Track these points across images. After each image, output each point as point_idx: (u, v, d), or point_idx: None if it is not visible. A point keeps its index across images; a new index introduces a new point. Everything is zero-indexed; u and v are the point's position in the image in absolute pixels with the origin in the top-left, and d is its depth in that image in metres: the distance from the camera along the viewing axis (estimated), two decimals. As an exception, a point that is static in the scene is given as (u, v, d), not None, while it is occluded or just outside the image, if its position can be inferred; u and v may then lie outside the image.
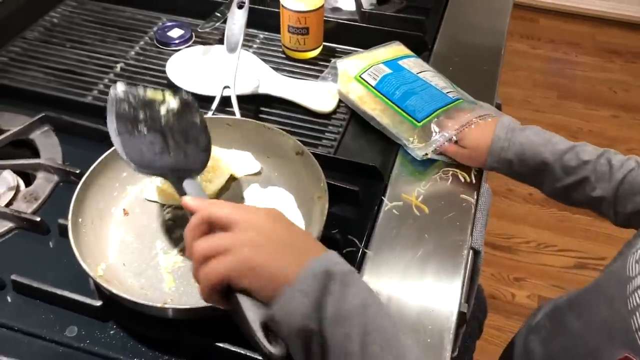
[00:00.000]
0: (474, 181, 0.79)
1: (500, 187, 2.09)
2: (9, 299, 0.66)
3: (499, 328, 1.70)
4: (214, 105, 0.81)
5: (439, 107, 0.79)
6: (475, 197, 0.77)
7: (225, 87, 0.82)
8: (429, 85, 0.82)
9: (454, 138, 0.77)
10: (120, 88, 0.65)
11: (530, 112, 2.40)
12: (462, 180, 0.79)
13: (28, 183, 0.79)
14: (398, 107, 0.80)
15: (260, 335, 0.45)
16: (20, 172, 0.80)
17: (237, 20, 0.83)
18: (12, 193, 0.77)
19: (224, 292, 0.48)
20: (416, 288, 0.67)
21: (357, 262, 0.69)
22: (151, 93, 0.66)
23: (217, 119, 0.77)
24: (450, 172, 0.80)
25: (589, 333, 0.65)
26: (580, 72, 2.61)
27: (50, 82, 0.94)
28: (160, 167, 0.62)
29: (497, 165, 0.76)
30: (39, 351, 0.61)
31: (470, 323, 1.06)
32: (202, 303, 0.51)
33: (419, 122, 0.78)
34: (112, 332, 0.62)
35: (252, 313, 0.46)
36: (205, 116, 0.72)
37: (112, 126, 0.64)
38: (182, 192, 0.58)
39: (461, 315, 0.64)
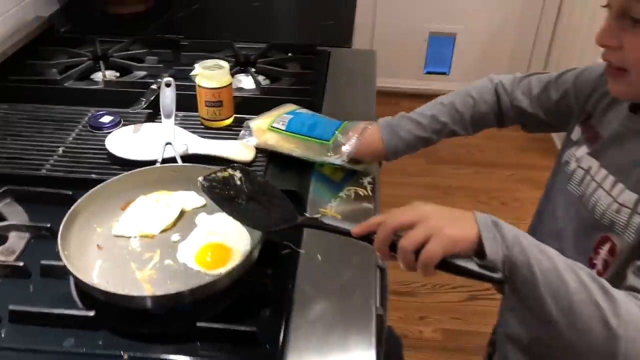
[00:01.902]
0: (370, 194, 1.03)
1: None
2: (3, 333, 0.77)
3: (413, 363, 1.90)
4: (160, 158, 1.00)
5: (336, 127, 1.06)
6: (373, 204, 1.00)
7: (167, 144, 1.01)
8: (322, 118, 1.11)
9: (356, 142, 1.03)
10: (205, 180, 0.82)
11: (405, 177, 2.75)
12: (362, 194, 1.02)
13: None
14: (309, 137, 1.05)
15: (483, 271, 0.67)
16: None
17: (167, 95, 1.04)
18: (-16, 256, 0.88)
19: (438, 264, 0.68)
20: (339, 275, 0.86)
21: (292, 260, 0.88)
22: (220, 174, 0.83)
23: (164, 167, 0.95)
24: (352, 190, 1.03)
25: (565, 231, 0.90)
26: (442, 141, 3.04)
27: (1, 167, 1.07)
28: (283, 222, 0.80)
29: (393, 157, 1.07)
30: None
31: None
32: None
33: (329, 140, 1.04)
34: (102, 335, 0.75)
35: (468, 265, 0.67)
36: (152, 167, 0.90)
37: (226, 210, 0.81)
38: (339, 229, 0.78)
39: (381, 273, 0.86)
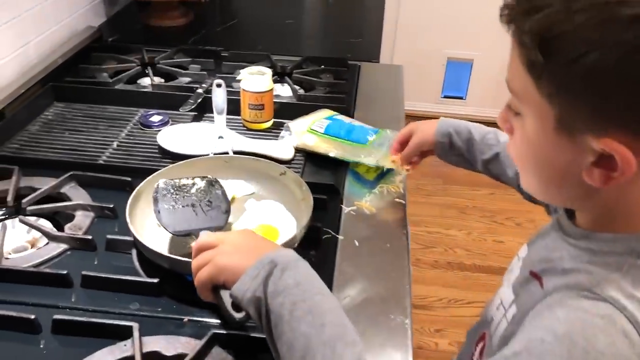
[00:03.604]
0: (402, 191, 1.11)
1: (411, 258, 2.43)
2: (73, 297, 0.85)
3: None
4: (213, 150, 1.09)
5: (374, 133, 1.16)
6: (404, 200, 1.09)
7: (219, 137, 1.10)
8: (358, 124, 1.20)
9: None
10: (161, 181, 0.90)
11: (423, 197, 2.83)
12: (393, 191, 1.11)
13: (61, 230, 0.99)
14: (346, 140, 1.15)
15: (229, 307, 0.67)
16: (54, 220, 1.00)
17: (218, 95, 1.14)
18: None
19: (212, 289, 0.69)
20: (376, 259, 0.94)
21: (332, 245, 0.96)
22: (184, 181, 0.91)
23: (217, 158, 1.05)
24: (385, 187, 1.12)
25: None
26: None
27: (62, 156, 1.17)
28: (190, 229, 0.83)
29: (441, 138, 1.02)
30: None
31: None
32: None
33: (365, 144, 1.13)
34: (163, 301, 0.84)
35: (225, 296, 0.68)
36: (206, 157, 0.99)
37: (155, 208, 0.87)
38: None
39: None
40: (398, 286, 0.89)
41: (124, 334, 0.76)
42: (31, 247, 0.95)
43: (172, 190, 0.89)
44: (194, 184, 0.91)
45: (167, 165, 1.04)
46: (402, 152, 1.07)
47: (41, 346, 0.77)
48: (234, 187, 1.02)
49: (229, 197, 0.99)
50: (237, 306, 0.67)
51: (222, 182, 1.01)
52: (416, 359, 0.78)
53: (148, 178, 0.99)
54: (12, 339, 0.78)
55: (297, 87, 1.48)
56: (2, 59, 1.33)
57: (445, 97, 3.46)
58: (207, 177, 0.92)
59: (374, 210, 1.05)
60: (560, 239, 0.63)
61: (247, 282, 0.64)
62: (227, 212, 0.88)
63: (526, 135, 0.58)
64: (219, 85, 1.14)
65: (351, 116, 1.35)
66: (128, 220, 0.88)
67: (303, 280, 0.64)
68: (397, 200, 1.09)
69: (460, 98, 3.46)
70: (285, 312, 0.61)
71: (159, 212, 0.86)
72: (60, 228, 0.99)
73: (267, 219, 0.95)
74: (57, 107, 1.37)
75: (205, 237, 0.75)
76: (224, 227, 0.86)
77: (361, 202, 1.07)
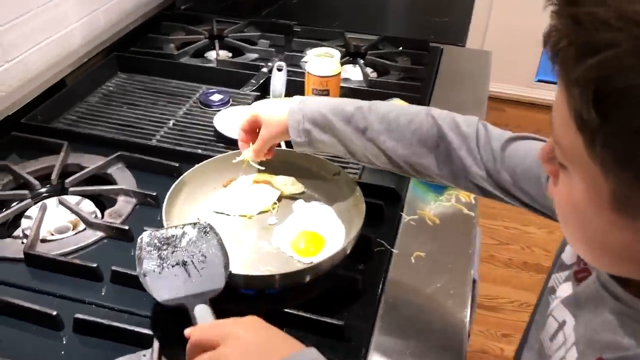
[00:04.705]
0: (473, 201, 0.98)
1: (483, 253, 2.28)
2: (104, 290, 0.80)
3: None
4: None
5: None
6: (474, 212, 0.96)
7: (273, 127, 1.02)
8: None
9: None
10: (146, 234, 0.74)
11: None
12: (463, 200, 0.98)
13: (103, 212, 0.95)
14: None
15: None
16: (97, 203, 0.97)
17: (278, 79, 1.05)
18: (92, 216, 0.93)
19: None
20: (432, 282, 0.83)
21: (385, 259, 0.86)
22: (172, 231, 0.75)
23: (268, 151, 0.96)
24: (454, 194, 0.99)
25: None
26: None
27: (116, 133, 1.12)
28: (184, 297, 0.67)
29: (299, 138, 0.79)
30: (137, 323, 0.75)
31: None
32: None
33: None
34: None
35: None
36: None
37: (139, 270, 0.70)
38: (194, 321, 0.65)
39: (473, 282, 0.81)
40: (454, 321, 0.78)
41: (146, 342, 0.71)
42: (73, 229, 0.91)
43: (158, 245, 0.73)
44: (183, 234, 0.75)
45: (218, 153, 0.98)
46: (254, 148, 0.84)
47: (64, 342, 0.74)
48: (283, 184, 0.93)
49: (276, 195, 0.91)
50: None
51: (271, 178, 0.93)
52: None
53: (194, 167, 0.92)
54: (36, 332, 0.74)
55: (369, 70, 1.36)
56: (70, 25, 1.30)
57: (540, 81, 3.21)
58: (198, 222, 0.77)
59: (438, 222, 0.94)
60: (623, 315, 0.49)
61: None
62: (226, 266, 0.72)
63: (573, 199, 0.45)
64: (279, 69, 1.06)
65: (425, 108, 1.22)
66: (164, 216, 0.81)
67: None
68: (466, 212, 0.96)
69: (555, 83, 3.18)
70: None
71: (144, 275, 0.70)
72: (103, 209, 0.95)
73: (314, 224, 0.86)
74: (120, 78, 1.33)
75: (202, 332, 0.61)
76: (221, 289, 0.70)
77: (424, 210, 0.96)
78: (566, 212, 0.48)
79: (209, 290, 0.68)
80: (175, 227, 0.76)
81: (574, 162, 0.43)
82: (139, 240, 0.74)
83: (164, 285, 0.69)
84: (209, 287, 0.69)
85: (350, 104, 0.78)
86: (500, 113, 3.17)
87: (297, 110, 0.79)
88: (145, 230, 0.75)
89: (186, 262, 0.71)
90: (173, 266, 0.71)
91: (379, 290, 0.81)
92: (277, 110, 0.80)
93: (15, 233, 0.91)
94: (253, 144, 0.85)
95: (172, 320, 0.74)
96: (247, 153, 0.86)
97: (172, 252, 0.72)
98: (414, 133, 0.74)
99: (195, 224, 0.76)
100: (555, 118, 0.44)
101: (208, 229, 0.75)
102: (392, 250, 0.88)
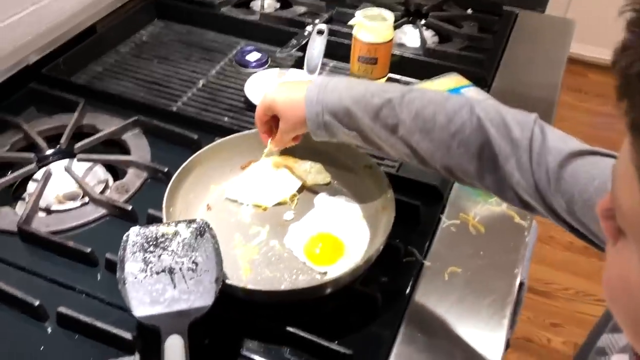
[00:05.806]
0: (527, 208, 0.84)
1: (542, 233, 2.10)
2: (99, 276, 0.73)
3: (533, 371, 1.71)
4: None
5: None
6: (528, 222, 0.82)
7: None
8: None
9: None
10: (133, 230, 0.65)
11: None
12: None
13: (116, 179, 0.88)
14: None
15: None
16: (110, 168, 0.89)
17: (316, 45, 0.92)
18: (102, 185, 0.86)
19: None
20: (466, 307, 0.71)
21: (413, 272, 0.74)
22: (163, 229, 0.65)
23: (294, 132, 0.84)
24: (505, 198, 0.85)
25: None
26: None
27: (140, 91, 1.04)
28: (164, 315, 0.58)
29: (318, 130, 0.70)
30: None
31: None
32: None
33: None
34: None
35: None
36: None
37: (120, 275, 0.61)
38: (162, 354, 0.56)
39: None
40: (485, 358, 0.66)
41: (129, 347, 0.64)
42: (82, 196, 0.84)
43: (145, 246, 0.63)
44: (175, 234, 0.64)
45: (244, 124, 0.88)
46: (274, 140, 0.76)
47: (48, 333, 0.68)
48: (307, 171, 0.82)
49: (297, 185, 0.80)
50: None
51: (295, 163, 0.82)
52: (522, 352, 0.58)
53: (211, 145, 0.82)
54: (23, 319, 0.69)
55: (429, 35, 1.20)
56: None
57: (630, 45, 2.88)
58: (194, 221, 0.66)
59: (483, 231, 0.80)
60: None
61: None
62: (218, 280, 0.61)
63: (625, 274, 0.35)
64: (320, 32, 0.92)
65: (488, 87, 1.06)
66: (164, 203, 0.72)
67: None
68: (517, 221, 0.82)
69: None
70: None
71: (124, 282, 0.60)
72: (116, 176, 0.88)
73: (335, 225, 0.75)
74: (155, 25, 1.23)
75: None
76: (206, 310, 0.59)
77: (468, 215, 0.82)
78: (615, 287, 0.37)
79: (193, 309, 0.59)
80: (168, 224, 0.66)
81: (635, 230, 0.34)
82: (124, 237, 0.65)
83: (144, 296, 0.59)
84: (195, 304, 0.59)
85: (378, 95, 0.65)
86: (581, 77, 2.89)
87: (316, 100, 0.67)
88: (134, 227, 0.66)
89: (173, 269, 0.61)
90: (158, 273, 0.61)
91: (402, 312, 0.70)
92: (294, 99, 0.69)
93: (24, 195, 0.85)
94: (275, 132, 0.74)
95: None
96: (270, 147, 0.77)
97: (159, 256, 0.62)
98: (454, 136, 0.61)
99: (190, 222, 0.66)
100: (616, 173, 0.35)
101: (204, 231, 0.65)
102: (424, 262, 0.76)
